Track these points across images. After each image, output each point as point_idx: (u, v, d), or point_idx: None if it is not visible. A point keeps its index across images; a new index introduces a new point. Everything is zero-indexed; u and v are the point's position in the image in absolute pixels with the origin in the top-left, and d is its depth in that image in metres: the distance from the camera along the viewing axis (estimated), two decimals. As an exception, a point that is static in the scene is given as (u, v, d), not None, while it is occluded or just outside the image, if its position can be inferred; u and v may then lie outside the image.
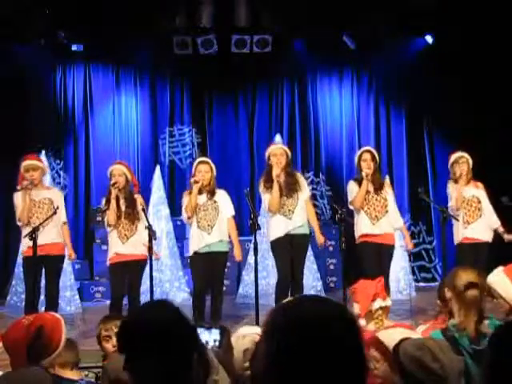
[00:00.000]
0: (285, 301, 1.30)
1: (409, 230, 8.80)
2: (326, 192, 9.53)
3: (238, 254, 5.85)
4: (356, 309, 3.43)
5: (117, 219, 5.63)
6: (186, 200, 5.85)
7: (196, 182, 5.70)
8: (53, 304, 5.61)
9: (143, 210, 5.69)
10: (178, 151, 9.65)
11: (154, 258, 5.96)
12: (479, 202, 6.11)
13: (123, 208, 5.67)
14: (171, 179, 9.51)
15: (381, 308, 3.31)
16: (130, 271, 5.67)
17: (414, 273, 8.77)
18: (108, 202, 5.68)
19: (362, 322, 3.33)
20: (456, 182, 6.11)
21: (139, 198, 5.84)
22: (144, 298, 7.23)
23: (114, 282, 5.78)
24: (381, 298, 3.31)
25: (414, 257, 8.86)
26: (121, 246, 5.65)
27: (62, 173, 9.16)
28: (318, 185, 9.52)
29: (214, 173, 5.88)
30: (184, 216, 5.86)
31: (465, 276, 2.83)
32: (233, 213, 5.93)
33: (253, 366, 1.20)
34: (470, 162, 6.14)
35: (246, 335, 2.20)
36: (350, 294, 3.54)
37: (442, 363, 1.81)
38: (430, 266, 9.28)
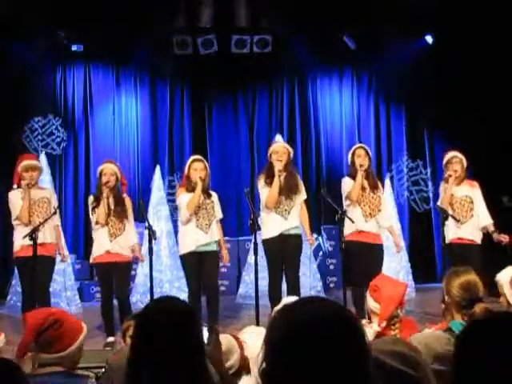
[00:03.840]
0: (285, 304, 1.30)
1: (407, 168, 9.40)
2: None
3: (226, 255, 5.96)
4: (373, 307, 3.39)
5: (106, 218, 5.65)
6: (183, 197, 5.83)
7: (201, 179, 5.70)
8: (44, 305, 5.57)
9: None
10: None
11: (139, 260, 6.01)
12: (471, 201, 6.09)
13: (112, 206, 5.69)
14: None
15: (398, 316, 3.28)
16: (116, 272, 5.68)
17: (411, 193, 9.36)
18: (97, 200, 5.69)
19: (375, 326, 3.28)
20: (447, 181, 6.10)
21: (128, 199, 5.86)
22: (144, 298, 7.26)
23: (101, 282, 5.84)
24: (401, 308, 3.30)
25: (412, 184, 9.46)
26: (108, 244, 5.66)
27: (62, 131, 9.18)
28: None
29: (208, 170, 5.90)
30: (184, 213, 5.82)
31: (466, 292, 2.83)
32: (222, 216, 6.03)
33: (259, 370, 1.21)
34: (464, 161, 6.12)
35: (222, 338, 2.22)
36: (369, 290, 3.46)
37: (417, 351, 1.82)
38: (426, 189, 9.48)
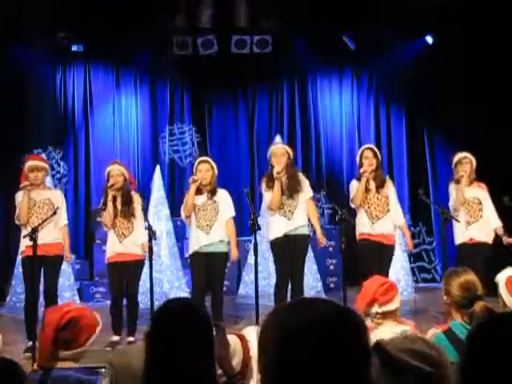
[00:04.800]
0: (285, 303, 1.29)
1: (409, 231, 8.93)
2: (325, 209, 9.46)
3: (234, 254, 5.87)
4: None
5: (113, 218, 5.65)
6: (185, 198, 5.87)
7: (194, 180, 5.69)
8: (52, 305, 5.59)
9: (142, 209, 5.69)
10: (178, 150, 9.66)
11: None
12: (480, 203, 6.10)
13: (119, 207, 5.69)
14: (171, 178, 9.51)
15: (378, 313, 3.24)
16: (128, 271, 5.69)
17: (414, 273, 8.74)
18: (105, 203, 5.69)
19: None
20: (458, 182, 6.09)
21: (136, 196, 5.85)
22: (144, 298, 7.24)
23: (111, 281, 5.83)
24: (378, 304, 3.22)
25: (414, 257, 8.90)
26: (118, 244, 5.68)
27: (62, 163, 9.14)
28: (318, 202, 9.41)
29: (215, 172, 5.87)
30: (182, 215, 5.88)
31: (465, 292, 2.84)
32: (233, 213, 5.93)
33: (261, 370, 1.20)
34: (474, 162, 6.11)
35: None
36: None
37: (437, 349, 1.81)
38: (429, 266, 9.28)
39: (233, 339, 2.31)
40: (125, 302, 5.82)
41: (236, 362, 2.30)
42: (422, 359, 1.71)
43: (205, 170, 5.79)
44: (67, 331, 2.43)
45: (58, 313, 2.49)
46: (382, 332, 2.92)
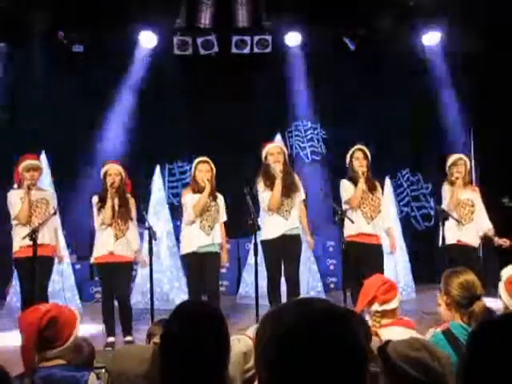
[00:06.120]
0: (283, 303, 1.29)
1: (408, 180, 9.62)
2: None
3: (225, 258, 5.94)
4: None
5: (112, 218, 5.64)
6: (188, 197, 5.83)
7: (208, 181, 5.70)
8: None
9: (137, 205, 5.70)
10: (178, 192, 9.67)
11: (141, 265, 5.99)
12: (473, 205, 6.09)
13: (117, 207, 5.67)
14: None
15: (377, 311, 3.23)
16: (119, 272, 5.67)
17: (412, 210, 9.65)
18: (103, 200, 5.67)
19: None
20: (452, 184, 6.07)
21: (131, 199, 5.85)
22: (144, 298, 7.26)
23: (103, 282, 5.80)
24: (379, 302, 3.22)
25: (413, 200, 9.79)
26: (112, 244, 5.64)
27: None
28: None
29: (214, 172, 5.88)
30: (191, 215, 5.81)
31: (465, 291, 2.85)
32: (226, 218, 6.01)
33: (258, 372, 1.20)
34: (468, 164, 6.12)
35: (241, 339, 2.19)
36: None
37: (439, 360, 1.81)
38: (427, 205, 9.71)
39: (246, 340, 2.28)
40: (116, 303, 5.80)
41: (252, 363, 2.26)
42: (422, 370, 1.70)
43: (205, 170, 5.79)
44: (49, 331, 2.42)
45: (36, 314, 2.46)
46: (396, 333, 2.92)
